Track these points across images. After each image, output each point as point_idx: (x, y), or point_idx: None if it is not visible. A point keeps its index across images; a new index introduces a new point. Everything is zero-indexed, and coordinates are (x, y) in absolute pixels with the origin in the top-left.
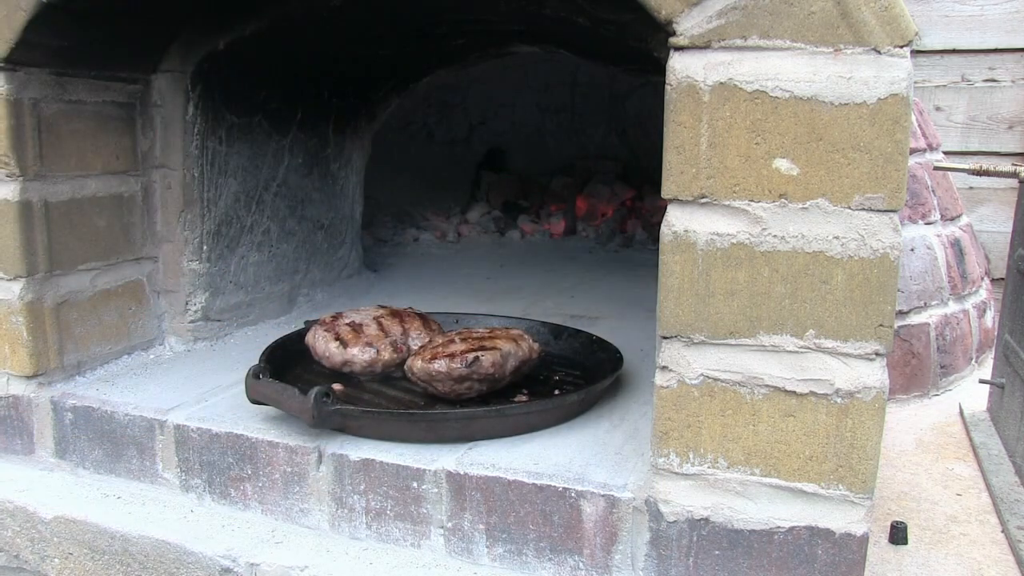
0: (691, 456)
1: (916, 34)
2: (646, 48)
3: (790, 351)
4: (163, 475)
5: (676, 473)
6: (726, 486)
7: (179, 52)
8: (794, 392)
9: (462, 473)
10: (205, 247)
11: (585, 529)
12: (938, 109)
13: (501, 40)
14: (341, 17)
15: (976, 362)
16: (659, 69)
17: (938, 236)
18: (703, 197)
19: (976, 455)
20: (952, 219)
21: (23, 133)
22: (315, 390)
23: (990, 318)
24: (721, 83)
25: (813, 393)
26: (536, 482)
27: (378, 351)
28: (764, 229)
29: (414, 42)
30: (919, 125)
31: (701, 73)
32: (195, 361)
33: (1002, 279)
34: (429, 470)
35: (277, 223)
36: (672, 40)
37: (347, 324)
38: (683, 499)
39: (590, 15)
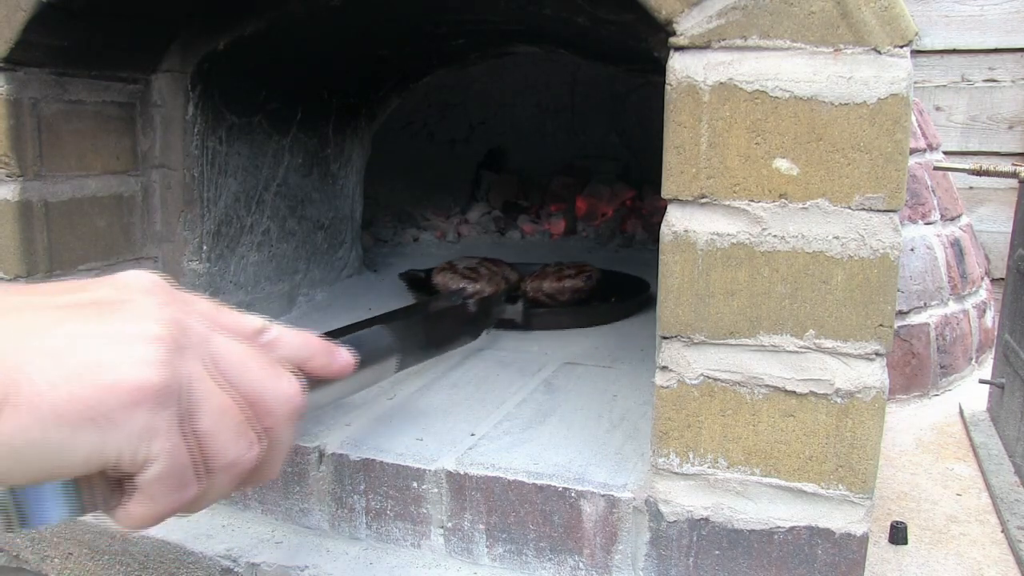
0: (691, 456)
1: (916, 34)
2: (646, 48)
3: (790, 351)
4: None
5: (676, 473)
6: (726, 486)
7: (179, 52)
8: (794, 392)
9: (462, 473)
10: (205, 247)
11: (585, 529)
12: (938, 109)
13: (501, 40)
14: (341, 17)
15: (976, 362)
16: (659, 69)
17: (938, 236)
18: (703, 197)
19: (976, 455)
20: (952, 219)
21: (23, 133)
22: (520, 301)
23: (990, 318)
24: (721, 83)
25: (813, 393)
26: (536, 482)
27: (496, 285)
28: (764, 229)
29: (414, 42)
30: (919, 125)
31: (701, 73)
32: None
33: (1002, 279)
34: (429, 470)
35: (277, 223)
36: (672, 40)
37: (466, 267)
38: (683, 499)
39: (590, 15)
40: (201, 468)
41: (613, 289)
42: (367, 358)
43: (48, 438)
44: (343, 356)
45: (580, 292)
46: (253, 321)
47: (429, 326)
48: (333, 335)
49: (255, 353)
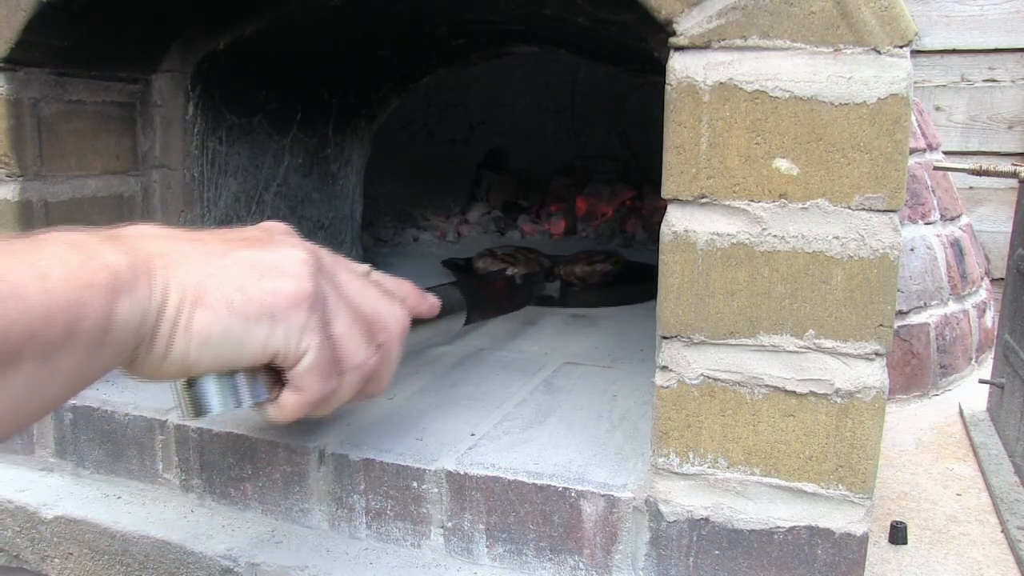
0: (691, 456)
1: (916, 34)
2: (646, 48)
3: (790, 351)
4: (163, 475)
5: (676, 473)
6: (726, 486)
7: (179, 52)
8: (794, 392)
9: (462, 473)
10: None
11: (585, 529)
12: (938, 109)
13: (501, 40)
14: (341, 17)
15: (976, 362)
16: (659, 69)
17: (938, 236)
18: (703, 197)
19: (976, 455)
20: (952, 219)
21: (23, 133)
22: (557, 280)
23: (990, 318)
24: (721, 83)
25: (813, 393)
26: (536, 482)
27: (533, 267)
28: (764, 229)
29: (414, 42)
30: (919, 125)
31: (701, 73)
32: None
33: (1002, 279)
34: (429, 470)
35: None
36: (672, 40)
37: (504, 253)
38: (683, 499)
39: (590, 15)
40: (336, 367)
41: (635, 275)
42: (443, 309)
43: (232, 329)
44: (431, 300)
45: (608, 275)
46: (361, 265)
47: (486, 292)
48: None
49: (369, 284)
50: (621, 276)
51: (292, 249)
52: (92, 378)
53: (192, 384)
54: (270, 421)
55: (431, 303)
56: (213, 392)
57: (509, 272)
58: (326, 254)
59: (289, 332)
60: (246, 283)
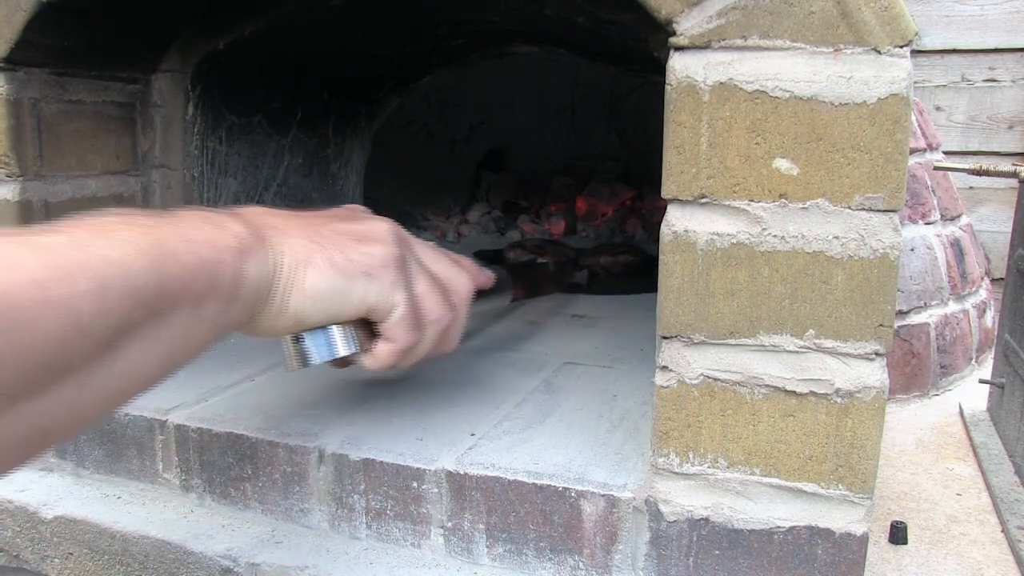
0: (691, 456)
1: (916, 34)
2: (646, 48)
3: (790, 351)
4: (163, 475)
5: (676, 473)
6: (726, 486)
7: (179, 52)
8: (794, 392)
9: (462, 473)
10: None
11: (585, 529)
12: (938, 109)
13: (501, 40)
14: (341, 17)
15: (976, 362)
16: (659, 69)
17: (938, 236)
18: (703, 197)
19: (976, 455)
20: (952, 219)
21: (23, 133)
22: (585, 270)
23: (990, 318)
24: (721, 83)
25: (813, 393)
26: (536, 482)
27: (559, 258)
28: (764, 229)
29: (414, 42)
30: (919, 125)
31: (701, 73)
32: (195, 361)
33: (1002, 279)
34: (429, 470)
35: None
36: (672, 40)
37: (533, 245)
38: (683, 499)
39: (590, 15)
40: (419, 321)
41: (653, 265)
42: (495, 284)
43: (338, 285)
44: (488, 273)
45: (630, 266)
46: (427, 241)
47: (525, 277)
48: None
49: (440, 253)
50: (640, 267)
51: (378, 221)
52: (226, 329)
53: (298, 340)
54: (366, 369)
55: (488, 275)
56: (316, 345)
57: (540, 261)
58: (402, 228)
59: (382, 288)
60: (345, 248)
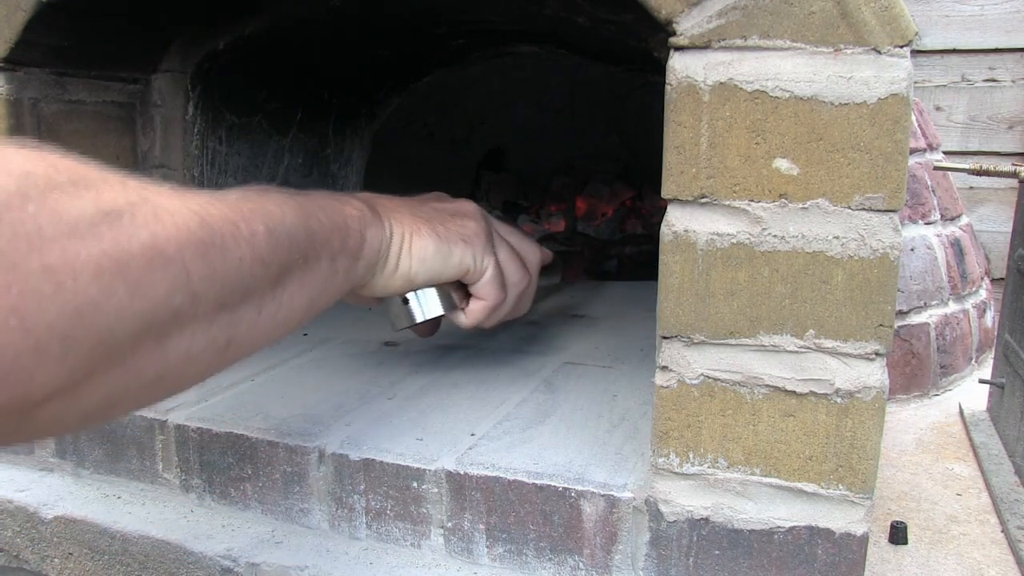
0: (691, 456)
1: (916, 34)
2: (646, 48)
3: (790, 351)
4: (163, 475)
5: (676, 473)
6: (726, 486)
7: (179, 52)
8: (794, 392)
9: (462, 473)
10: None
11: (585, 529)
12: (938, 109)
13: (501, 40)
14: (341, 17)
15: (976, 362)
16: (659, 69)
17: (938, 236)
18: (703, 197)
19: (976, 455)
20: (952, 219)
21: (23, 133)
22: (615, 259)
23: (990, 318)
24: (721, 83)
25: (813, 393)
26: (536, 482)
27: (587, 250)
28: (764, 229)
29: (414, 42)
30: (919, 125)
31: (701, 73)
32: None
33: (1002, 279)
34: (429, 470)
35: None
36: (672, 40)
37: (562, 238)
38: (683, 499)
39: (590, 15)
40: (504, 282)
41: None
42: (552, 262)
43: (441, 249)
44: (547, 251)
45: (652, 255)
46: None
47: (569, 262)
48: None
49: (513, 229)
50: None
51: (465, 201)
52: (353, 283)
53: (405, 302)
54: (462, 326)
55: (547, 252)
56: (420, 304)
57: (574, 251)
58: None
59: (476, 253)
60: (443, 221)
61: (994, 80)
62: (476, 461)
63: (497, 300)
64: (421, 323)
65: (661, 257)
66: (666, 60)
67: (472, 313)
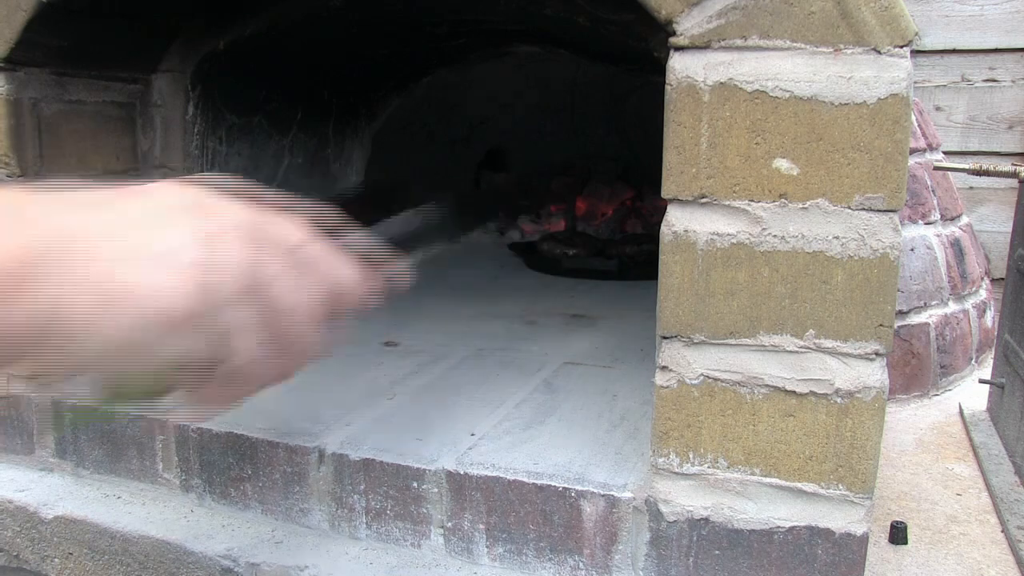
0: (691, 456)
1: (916, 34)
2: (646, 48)
3: (790, 351)
4: (163, 475)
5: (676, 473)
6: (726, 486)
7: (179, 52)
8: (794, 392)
9: (462, 473)
10: None
11: (585, 529)
12: (938, 109)
13: (501, 40)
14: (341, 17)
15: (976, 362)
16: (659, 69)
17: (938, 236)
18: (703, 197)
19: (976, 455)
20: (952, 219)
21: (23, 133)
22: (616, 258)
23: (990, 318)
24: (721, 83)
25: (813, 393)
26: (536, 482)
27: (589, 249)
28: (764, 229)
29: (414, 42)
30: (919, 125)
31: (701, 73)
32: None
33: (1002, 279)
34: (429, 470)
35: None
36: (672, 40)
37: (563, 238)
38: (683, 499)
39: (590, 15)
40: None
41: None
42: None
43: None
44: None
45: (653, 255)
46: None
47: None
48: None
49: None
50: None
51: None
52: None
53: None
54: None
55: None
56: None
57: (571, 253)
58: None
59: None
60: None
61: (994, 80)
62: (476, 461)
63: None
64: None
65: (661, 257)
66: (666, 60)
67: None
